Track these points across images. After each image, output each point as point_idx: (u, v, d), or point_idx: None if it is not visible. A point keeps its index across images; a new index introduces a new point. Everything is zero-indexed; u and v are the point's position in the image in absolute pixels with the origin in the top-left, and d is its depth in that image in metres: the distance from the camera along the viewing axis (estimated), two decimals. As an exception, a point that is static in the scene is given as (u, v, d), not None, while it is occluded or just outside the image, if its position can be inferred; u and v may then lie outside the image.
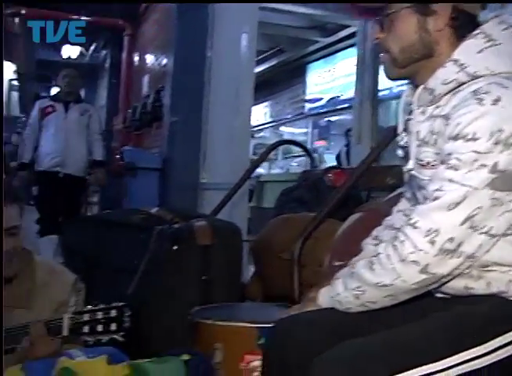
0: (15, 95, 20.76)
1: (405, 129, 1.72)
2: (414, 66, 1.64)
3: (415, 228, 1.49)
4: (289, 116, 16.70)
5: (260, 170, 8.57)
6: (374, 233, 1.91)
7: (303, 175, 4.14)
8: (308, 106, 15.51)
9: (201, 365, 1.70)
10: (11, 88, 22.24)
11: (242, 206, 5.28)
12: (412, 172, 1.65)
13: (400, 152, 1.77)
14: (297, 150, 15.55)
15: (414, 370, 1.44)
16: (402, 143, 1.75)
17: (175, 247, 2.68)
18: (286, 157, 15.67)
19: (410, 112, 1.68)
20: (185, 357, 1.75)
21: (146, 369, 1.53)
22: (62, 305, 2.37)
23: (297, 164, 15.65)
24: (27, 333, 2.19)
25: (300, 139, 14.66)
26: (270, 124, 17.76)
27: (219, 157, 6.73)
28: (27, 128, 6.37)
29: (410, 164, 1.66)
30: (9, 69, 22.59)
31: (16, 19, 11.71)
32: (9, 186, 2.45)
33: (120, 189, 7.64)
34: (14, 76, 21.75)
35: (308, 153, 4.49)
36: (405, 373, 1.43)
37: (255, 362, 2.08)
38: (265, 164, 12.26)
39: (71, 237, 3.18)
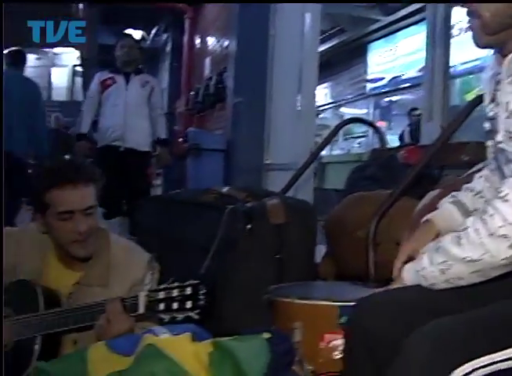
0: (78, 80, 21.06)
1: (493, 100, 1.65)
2: (504, 34, 1.57)
3: (505, 201, 1.43)
4: (349, 96, 16.55)
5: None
6: (453, 193, 1.86)
7: (373, 153, 4.07)
8: (369, 86, 15.34)
9: (283, 343, 1.68)
10: (74, 73, 22.61)
11: (307, 187, 5.23)
12: (501, 145, 1.58)
13: (487, 124, 1.70)
14: (358, 130, 15.45)
15: (495, 355, 1.39)
16: (489, 115, 1.68)
17: (249, 226, 2.66)
18: (347, 138, 15.55)
19: (498, 82, 1.61)
20: (266, 336, 1.72)
21: (230, 347, 1.51)
22: (137, 283, 2.38)
23: (359, 146, 15.53)
24: (104, 310, 2.21)
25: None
26: (330, 106, 17.64)
27: (283, 137, 6.69)
28: (85, 100, 6.18)
29: (499, 137, 1.59)
30: (73, 55, 23.02)
31: (80, 5, 11.83)
32: (83, 166, 2.45)
33: (183, 172, 7.69)
34: (77, 62, 22.12)
35: (377, 131, 4.41)
36: (486, 356, 1.38)
37: (336, 341, 2.04)
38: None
39: (143, 216, 3.19)
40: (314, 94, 6.81)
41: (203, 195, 3.08)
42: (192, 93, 10.11)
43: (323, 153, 10.59)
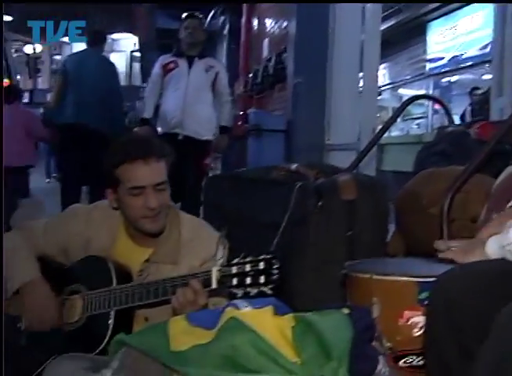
0: (136, 65, 21.29)
1: None
2: None
3: None
4: (408, 77, 16.29)
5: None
6: None
7: (440, 131, 3.97)
8: (428, 66, 15.07)
9: (364, 318, 1.63)
10: (132, 59, 22.88)
11: (369, 168, 5.16)
12: None
13: None
14: (417, 111, 15.22)
15: None
16: None
17: (320, 203, 2.61)
18: (406, 120, 15.34)
19: None
20: (346, 311, 1.68)
21: (313, 321, 1.48)
22: (207, 260, 2.37)
23: (418, 127, 15.31)
24: (175, 286, 2.20)
25: (420, 101, 14.26)
26: (388, 87, 17.40)
27: (344, 117, 6.65)
28: (148, 85, 5.96)
29: None
30: (130, 41, 23.28)
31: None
32: (154, 142, 2.44)
33: (243, 154, 7.68)
34: (135, 47, 22.34)
35: (445, 108, 4.30)
36: None
37: (415, 318, 1.99)
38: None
39: (212, 194, 3.18)
40: (376, 73, 6.72)
41: (272, 172, 3.04)
42: (250, 75, 10.10)
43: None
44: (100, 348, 2.28)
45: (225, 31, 14.63)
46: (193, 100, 5.46)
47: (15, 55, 15.73)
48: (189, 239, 2.48)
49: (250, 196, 3.00)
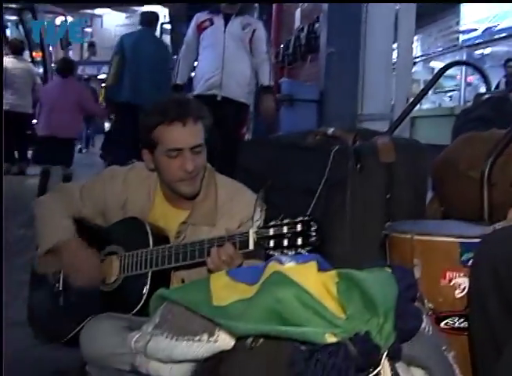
0: (166, 38, 21.22)
1: None
2: None
3: None
4: (440, 49, 16.05)
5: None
6: None
7: (477, 97, 3.89)
8: (461, 37, 14.82)
9: (407, 278, 1.61)
10: (162, 31, 22.79)
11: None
12: None
13: None
14: (449, 84, 15.01)
15: None
16: None
17: (359, 165, 2.58)
18: (438, 93, 15.14)
19: None
20: (388, 269, 1.65)
21: (357, 277, 1.45)
22: (244, 222, 2.35)
23: (450, 99, 15.10)
24: (212, 248, 2.19)
25: (453, 73, 14.09)
26: (420, 59, 17.16)
27: (377, 88, 6.56)
28: (182, 47, 5.58)
29: None
30: (161, 13, 23.19)
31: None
32: (192, 105, 2.42)
33: (275, 123, 7.62)
34: (165, 19, 22.32)
35: (482, 74, 4.22)
36: None
37: (458, 279, 1.96)
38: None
39: (248, 159, 3.15)
40: (411, 44, 6.62)
41: (308, 137, 3.01)
42: (282, 46, 10.01)
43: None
44: (137, 309, 2.29)
45: (256, 4, 14.47)
46: (232, 59, 5.18)
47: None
48: (225, 201, 2.47)
49: (286, 161, 2.97)
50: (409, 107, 3.53)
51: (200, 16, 5.40)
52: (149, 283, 2.31)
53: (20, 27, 12.62)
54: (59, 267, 2.46)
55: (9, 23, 13.37)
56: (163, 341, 1.44)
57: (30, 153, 9.85)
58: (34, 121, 9.34)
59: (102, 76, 26.35)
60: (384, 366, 1.37)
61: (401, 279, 1.53)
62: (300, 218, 2.07)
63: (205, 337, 1.43)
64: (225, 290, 1.47)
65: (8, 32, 13.01)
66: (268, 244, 2.06)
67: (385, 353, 1.38)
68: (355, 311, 1.38)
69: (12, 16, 13.16)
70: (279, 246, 2.01)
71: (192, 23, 5.42)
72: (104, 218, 2.53)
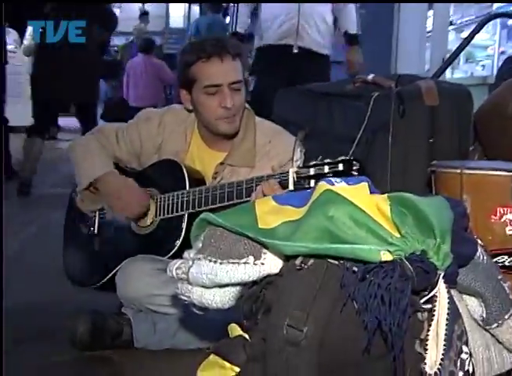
0: (195, 9, 21.12)
1: None
2: None
3: None
4: (473, 17, 15.73)
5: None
6: None
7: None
8: (495, 5, 14.50)
9: (460, 206, 1.53)
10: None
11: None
12: None
13: None
14: (480, 54, 14.72)
15: None
16: None
17: (401, 109, 2.50)
18: (469, 62, 14.86)
19: None
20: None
21: (410, 199, 1.38)
22: (283, 165, 2.30)
23: (483, 69, 14.83)
24: (251, 189, 2.13)
25: (485, 43, 13.80)
26: (452, 27, 16.83)
27: (411, 51, 6.46)
28: None
29: None
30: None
31: None
32: (230, 41, 2.38)
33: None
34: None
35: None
36: None
37: (509, 215, 1.88)
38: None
39: (284, 108, 3.08)
40: (448, 11, 6.50)
41: (347, 85, 2.93)
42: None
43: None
44: (173, 251, 2.27)
45: None
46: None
47: None
48: (264, 142, 2.42)
49: (324, 109, 2.90)
50: (450, 58, 3.43)
51: None
52: (185, 225, 2.28)
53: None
54: (99, 205, 2.43)
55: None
56: (206, 265, 1.38)
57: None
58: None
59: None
60: (441, 289, 1.31)
61: (454, 207, 1.45)
62: (341, 158, 2.02)
63: (251, 259, 1.37)
64: (271, 214, 1.40)
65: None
66: (309, 183, 2.03)
67: (442, 275, 1.31)
68: (411, 231, 1.31)
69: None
70: None
71: None
72: (139, 161, 2.50)
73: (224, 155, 2.41)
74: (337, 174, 1.95)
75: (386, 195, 1.42)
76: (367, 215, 1.31)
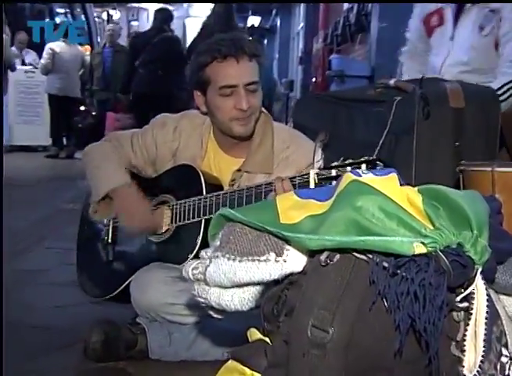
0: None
1: None
2: None
3: None
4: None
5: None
6: None
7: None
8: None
9: (495, 202, 1.44)
10: None
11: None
12: None
13: None
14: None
15: None
16: None
17: (426, 111, 2.40)
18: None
19: None
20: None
21: (443, 190, 1.28)
22: (302, 170, 2.21)
23: None
24: (268, 192, 2.06)
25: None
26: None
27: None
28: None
29: None
30: (206, 6, 23.26)
31: None
32: (246, 41, 2.30)
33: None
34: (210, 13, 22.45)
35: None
36: None
37: (545, 216, 1.77)
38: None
39: (303, 115, 2.99)
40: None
41: (368, 90, 2.84)
42: (330, 27, 9.90)
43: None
44: (189, 258, 2.17)
45: None
46: None
47: (97, 20, 15.95)
48: (282, 148, 2.34)
49: (345, 115, 2.80)
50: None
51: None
52: (202, 232, 2.20)
53: (68, 14, 12.72)
54: (113, 214, 2.36)
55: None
56: (225, 264, 1.29)
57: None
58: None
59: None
60: (479, 285, 1.20)
61: (489, 201, 1.36)
62: (364, 158, 1.95)
63: (272, 256, 1.28)
64: (293, 209, 1.31)
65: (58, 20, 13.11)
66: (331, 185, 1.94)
67: (479, 271, 1.21)
68: (446, 223, 1.21)
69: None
70: None
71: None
72: (154, 167, 2.42)
73: (241, 161, 2.33)
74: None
75: (416, 188, 1.33)
76: (398, 206, 1.21)
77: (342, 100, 2.88)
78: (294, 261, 1.27)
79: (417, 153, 2.41)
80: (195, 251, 2.17)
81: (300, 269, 1.28)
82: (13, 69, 9.49)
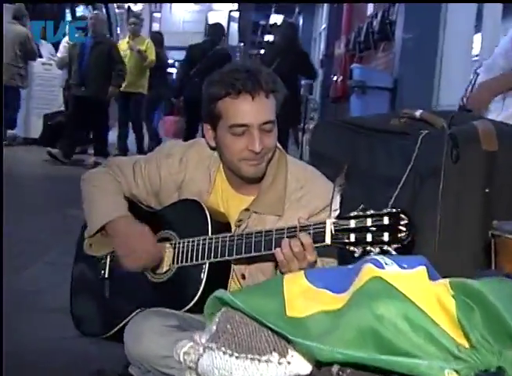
0: (234, 25, 21.26)
1: None
2: None
3: None
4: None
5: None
6: None
7: None
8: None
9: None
10: (230, 19, 22.91)
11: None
12: None
13: None
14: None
15: None
16: None
17: (454, 153, 2.21)
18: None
19: None
20: (509, 280, 1.28)
21: (478, 290, 1.09)
22: (317, 214, 2.04)
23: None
24: (280, 239, 1.87)
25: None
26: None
27: (456, 77, 6.19)
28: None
29: None
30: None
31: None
32: (263, 75, 2.05)
33: (345, 113, 7.36)
34: (233, 7, 22.48)
35: None
36: None
37: None
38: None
39: (321, 142, 2.81)
40: (497, 32, 6.20)
41: (391, 119, 2.65)
42: (353, 33, 9.71)
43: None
44: (190, 305, 2.01)
45: None
46: None
47: (117, 11, 15.84)
48: (296, 188, 2.15)
49: (365, 146, 2.62)
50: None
51: None
52: (205, 276, 2.01)
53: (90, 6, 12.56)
54: (110, 249, 2.19)
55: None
56: (220, 358, 1.11)
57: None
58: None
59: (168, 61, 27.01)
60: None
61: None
62: (387, 210, 1.76)
63: (275, 357, 1.09)
64: (303, 298, 1.12)
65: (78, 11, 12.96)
66: (348, 237, 1.76)
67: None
68: (483, 337, 1.02)
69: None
70: (360, 241, 1.72)
71: None
72: (157, 199, 2.24)
73: (250, 200, 2.13)
74: (381, 228, 1.71)
75: (448, 281, 1.12)
76: (426, 316, 1.01)
77: (363, 129, 2.70)
78: (300, 363, 1.08)
79: (443, 198, 2.22)
80: (196, 298, 2.00)
81: (306, 372, 1.09)
82: (34, 58, 9.49)
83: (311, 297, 1.12)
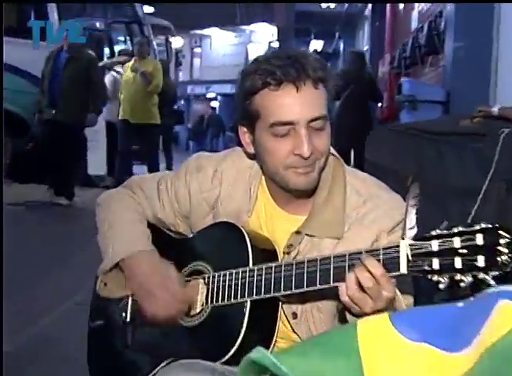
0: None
1: None
2: None
3: None
4: None
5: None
6: None
7: None
8: None
9: None
10: (270, 49, 23.33)
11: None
12: None
13: None
14: None
15: None
16: None
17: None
18: None
19: None
20: None
21: None
22: (384, 236, 1.64)
23: None
24: (341, 269, 1.50)
25: None
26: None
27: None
28: None
29: None
30: (269, 31, 23.89)
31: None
32: (311, 62, 1.65)
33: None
34: (273, 38, 22.92)
35: None
36: None
37: None
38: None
39: (378, 151, 2.49)
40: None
41: (461, 120, 2.32)
42: (398, 50, 9.57)
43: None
44: (228, 355, 1.67)
45: (366, 12, 14.19)
46: None
47: (158, 48, 16.01)
48: (357, 203, 1.74)
49: (432, 153, 2.38)
50: None
51: None
52: (246, 318, 1.67)
53: (128, 41, 12.53)
54: (129, 290, 1.86)
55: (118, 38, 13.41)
56: None
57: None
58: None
59: (210, 95, 27.58)
60: None
61: None
62: (480, 226, 1.36)
63: None
64: (391, 360, 0.70)
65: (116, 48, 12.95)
66: (430, 264, 1.37)
67: None
68: None
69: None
70: (447, 268, 1.35)
71: None
72: (187, 223, 1.90)
73: (301, 220, 1.74)
74: (474, 250, 1.34)
75: None
76: None
77: (427, 133, 2.39)
78: None
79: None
80: (237, 345, 1.66)
81: None
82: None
83: (407, 358, 0.70)
